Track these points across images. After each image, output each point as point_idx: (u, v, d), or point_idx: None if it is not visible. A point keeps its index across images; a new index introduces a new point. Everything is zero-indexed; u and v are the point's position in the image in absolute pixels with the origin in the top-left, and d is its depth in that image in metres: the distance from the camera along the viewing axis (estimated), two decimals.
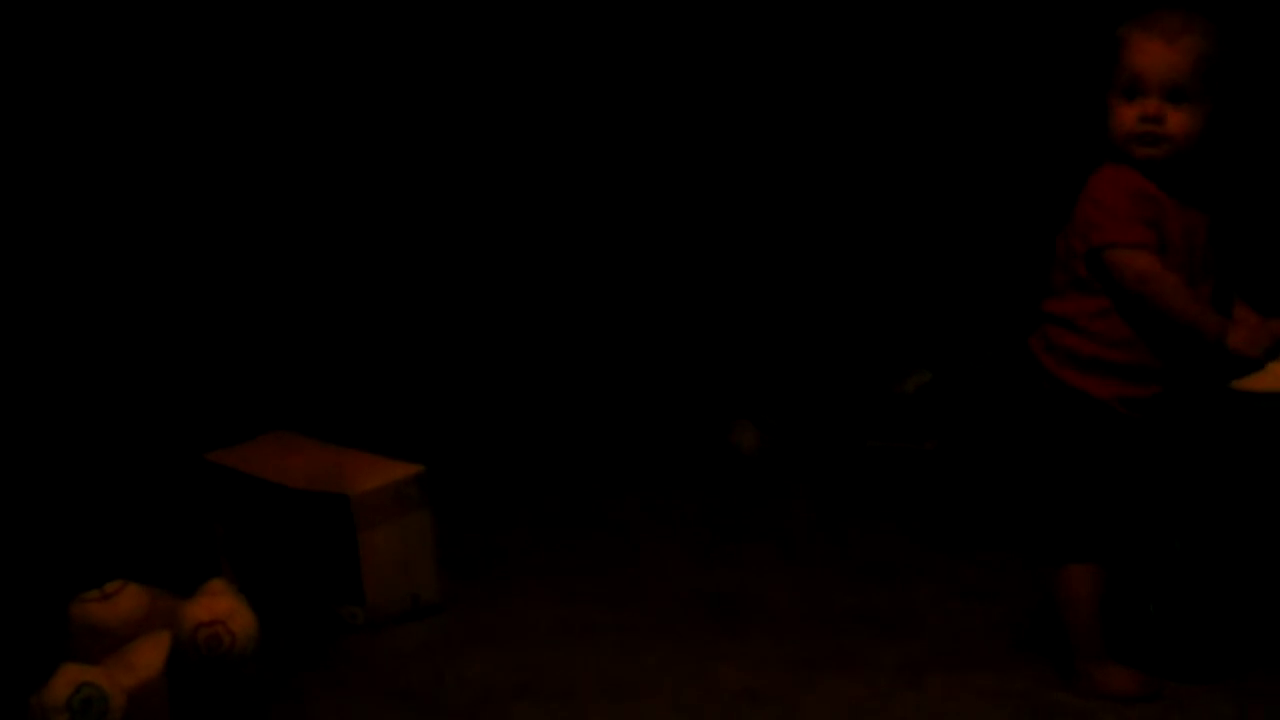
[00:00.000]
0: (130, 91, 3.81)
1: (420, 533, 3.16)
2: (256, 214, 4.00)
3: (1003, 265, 4.02)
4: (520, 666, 2.93)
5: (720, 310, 4.24)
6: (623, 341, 4.20)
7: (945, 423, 3.85)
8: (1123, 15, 2.73)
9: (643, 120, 4.23)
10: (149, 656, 2.73)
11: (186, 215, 3.91)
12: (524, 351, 4.16)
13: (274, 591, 3.14)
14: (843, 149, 4.19)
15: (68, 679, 2.61)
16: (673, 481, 3.78)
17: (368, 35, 4.06)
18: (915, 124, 4.14)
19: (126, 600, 2.81)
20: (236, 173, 3.96)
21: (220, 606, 2.80)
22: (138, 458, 3.58)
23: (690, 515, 3.61)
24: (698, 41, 4.19)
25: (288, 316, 4.00)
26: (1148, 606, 2.82)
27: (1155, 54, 2.66)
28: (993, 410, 3.81)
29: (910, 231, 4.19)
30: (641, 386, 4.14)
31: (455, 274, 4.18)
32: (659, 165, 4.25)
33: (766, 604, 3.17)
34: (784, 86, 4.20)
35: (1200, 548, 2.80)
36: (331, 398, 3.86)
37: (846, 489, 3.72)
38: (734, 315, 4.23)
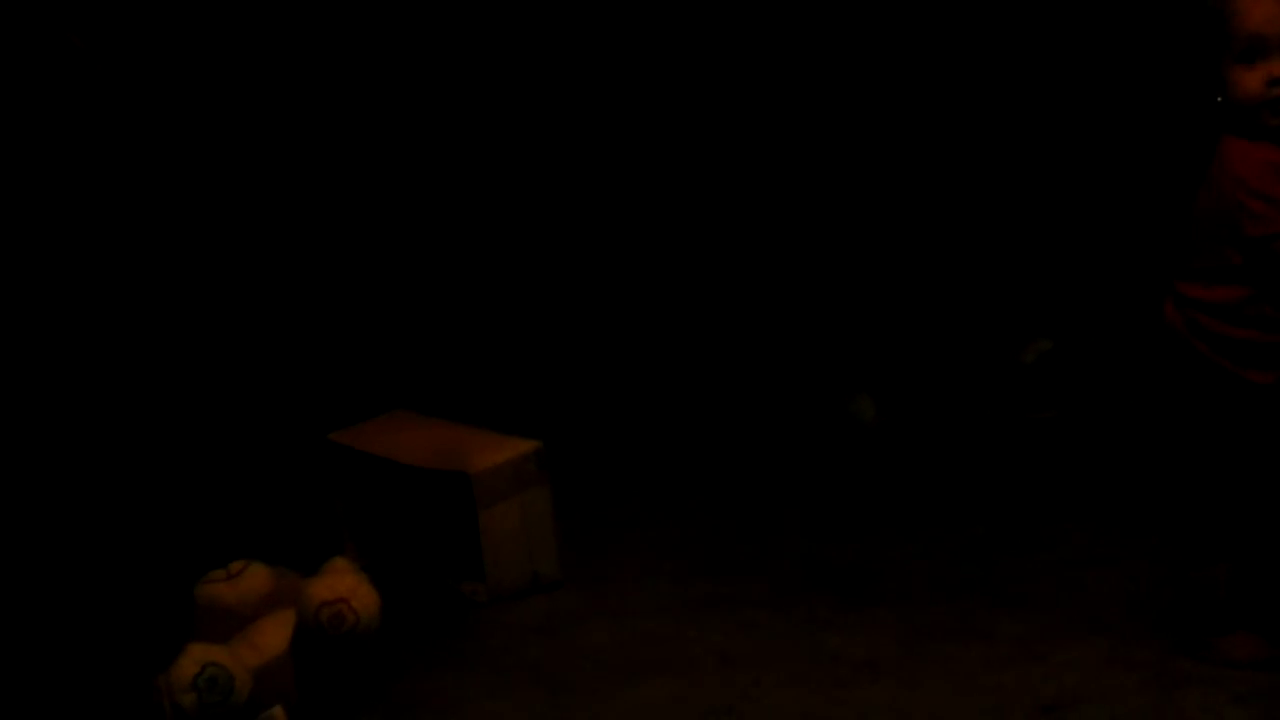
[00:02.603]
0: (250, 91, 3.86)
1: (539, 508, 3.18)
2: (376, 203, 4.03)
3: (1123, 235, 3.98)
4: (639, 640, 2.95)
5: (840, 282, 4.23)
6: (743, 314, 4.19)
7: (1066, 392, 3.82)
8: None
9: (741, 103, 4.22)
10: (274, 635, 2.76)
11: (305, 206, 3.95)
12: (640, 325, 4.16)
13: (396, 569, 3.17)
14: (963, 115, 4.16)
15: (194, 658, 2.64)
16: (791, 454, 3.78)
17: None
18: (1034, 92, 4.11)
19: (251, 580, 2.85)
20: (357, 164, 3.99)
21: (343, 585, 2.82)
22: (262, 439, 3.62)
23: (808, 487, 3.61)
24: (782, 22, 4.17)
25: (407, 298, 4.03)
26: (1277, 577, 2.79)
27: (1272, 10, 2.56)
28: (1120, 381, 3.78)
29: (1031, 202, 4.15)
30: (761, 359, 4.13)
31: (569, 253, 4.19)
32: (771, 140, 4.24)
33: (884, 576, 3.16)
34: (893, 62, 4.18)
35: None
36: (450, 376, 3.89)
37: (966, 459, 3.70)
38: (853, 287, 4.22)
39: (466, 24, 4.09)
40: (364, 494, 3.28)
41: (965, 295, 4.15)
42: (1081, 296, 4.03)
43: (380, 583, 2.87)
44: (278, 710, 2.68)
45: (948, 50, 4.15)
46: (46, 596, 3.06)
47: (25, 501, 3.24)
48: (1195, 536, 2.77)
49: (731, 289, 4.22)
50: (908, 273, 4.21)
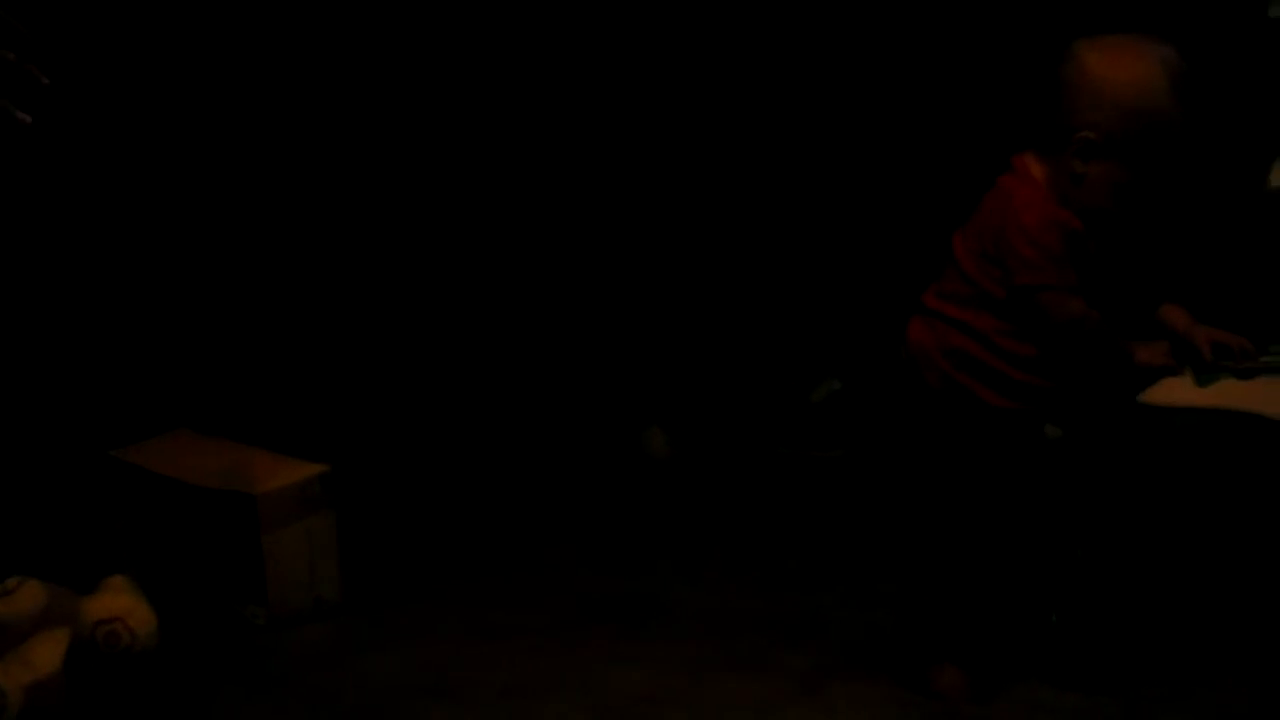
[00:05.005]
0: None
1: (324, 533, 3.15)
2: (161, 210, 3.96)
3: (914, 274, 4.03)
4: (422, 667, 2.92)
5: (632, 316, 4.24)
6: (533, 346, 4.19)
7: (852, 431, 3.86)
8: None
9: (568, 125, 4.22)
10: (47, 653, 2.71)
11: (93, 212, 3.87)
12: (432, 352, 4.14)
13: (176, 589, 3.11)
14: (757, 153, 4.19)
15: None
16: (580, 486, 3.78)
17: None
18: (830, 129, 4.15)
19: (25, 597, 2.78)
20: (138, 169, 3.92)
21: (120, 604, 2.78)
22: (39, 453, 3.55)
23: (597, 520, 3.61)
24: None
25: (194, 313, 3.97)
26: (1050, 616, 2.84)
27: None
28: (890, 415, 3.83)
29: (821, 239, 4.19)
30: (551, 390, 4.13)
31: (363, 273, 4.15)
32: (584, 171, 4.24)
33: (670, 609, 3.17)
34: (703, 93, 4.20)
35: (1103, 558, 2.82)
36: (236, 396, 3.84)
37: (755, 496, 3.73)
38: (646, 321, 4.23)
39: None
40: (144, 512, 3.22)
41: (758, 333, 4.18)
42: (872, 337, 4.07)
43: (159, 603, 2.82)
44: None
45: (731, 89, 4.17)
46: None
47: None
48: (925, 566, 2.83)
49: (526, 318, 4.21)
50: (702, 307, 4.23)
